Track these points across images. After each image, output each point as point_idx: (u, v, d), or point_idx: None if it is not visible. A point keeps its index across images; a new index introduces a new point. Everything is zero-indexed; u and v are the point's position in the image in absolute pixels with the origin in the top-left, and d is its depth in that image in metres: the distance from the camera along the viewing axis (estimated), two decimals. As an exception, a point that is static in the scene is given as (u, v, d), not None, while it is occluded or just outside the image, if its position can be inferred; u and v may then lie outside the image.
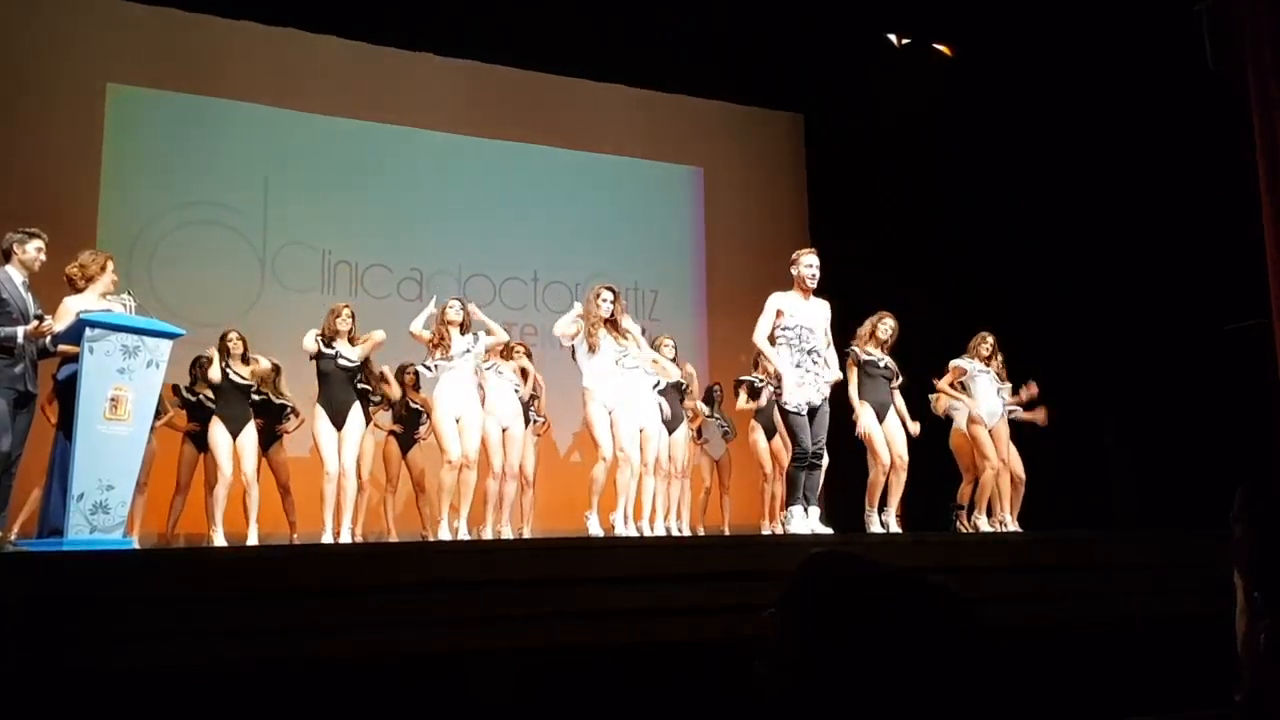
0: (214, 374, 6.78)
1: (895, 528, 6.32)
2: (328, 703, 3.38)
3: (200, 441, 7.19)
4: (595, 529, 6.08)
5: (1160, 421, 7.71)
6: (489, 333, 6.62)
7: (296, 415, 7.36)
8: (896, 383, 6.61)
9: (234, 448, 6.71)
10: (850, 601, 1.01)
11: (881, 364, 6.53)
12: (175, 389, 6.99)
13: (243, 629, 3.49)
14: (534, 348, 7.95)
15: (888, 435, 6.39)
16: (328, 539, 6.07)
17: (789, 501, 5.86)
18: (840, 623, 1.00)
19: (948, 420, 7.29)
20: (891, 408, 6.50)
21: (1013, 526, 6.77)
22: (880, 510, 6.35)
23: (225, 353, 6.84)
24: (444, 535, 6.19)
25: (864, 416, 6.37)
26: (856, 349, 6.50)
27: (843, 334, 6.37)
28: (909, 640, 0.98)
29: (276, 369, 7.18)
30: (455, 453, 6.21)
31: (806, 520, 5.75)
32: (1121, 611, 4.64)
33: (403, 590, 3.87)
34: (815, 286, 5.95)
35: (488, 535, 6.75)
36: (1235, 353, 7.13)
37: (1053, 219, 8.93)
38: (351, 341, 6.44)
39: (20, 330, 4.79)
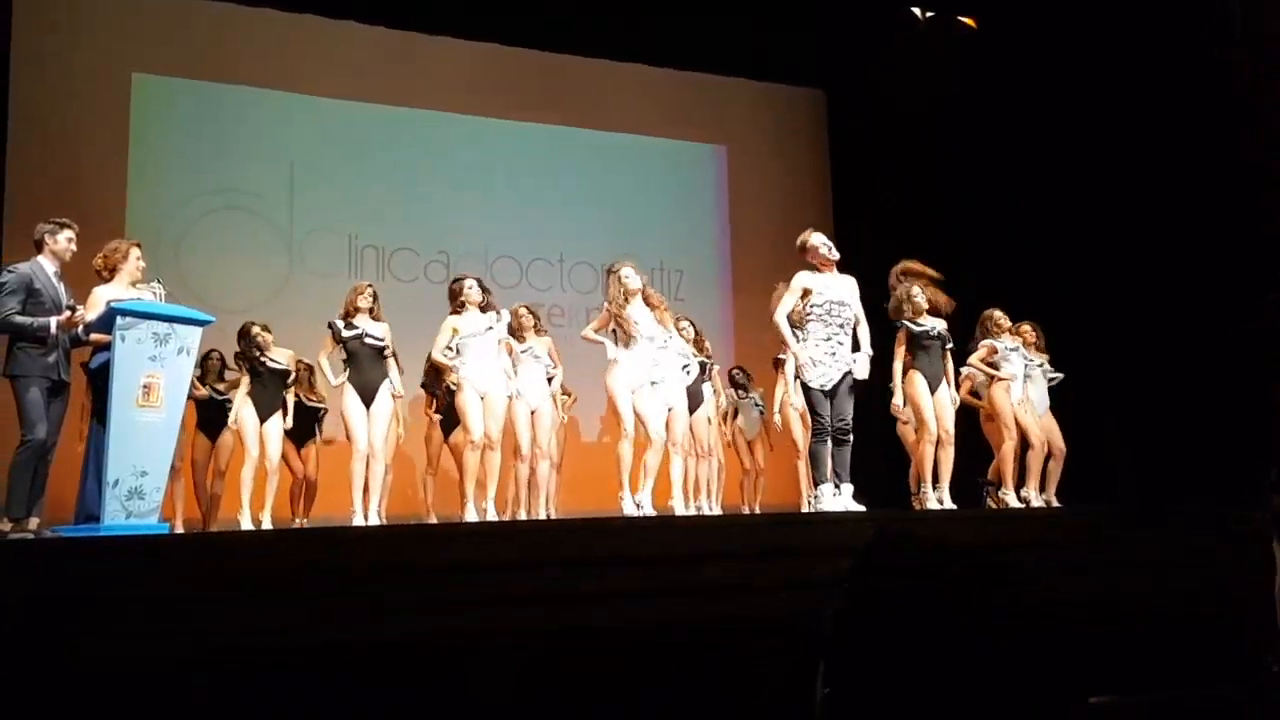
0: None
1: (949, 503, 6.27)
2: (345, 688, 3.39)
3: (211, 432, 7.23)
4: (630, 508, 5.93)
5: (1160, 420, 7.62)
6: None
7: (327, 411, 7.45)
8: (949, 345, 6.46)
9: (260, 432, 6.72)
10: (919, 594, 1.00)
11: (934, 331, 6.37)
12: None
13: (270, 615, 3.51)
14: (561, 328, 7.94)
15: (937, 409, 6.28)
16: (358, 520, 6.07)
17: (816, 480, 5.81)
18: (907, 616, 0.99)
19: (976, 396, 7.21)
20: (944, 381, 6.36)
21: (1038, 503, 6.67)
22: (934, 487, 6.30)
23: (258, 346, 6.83)
24: (471, 517, 6.17)
25: (916, 385, 6.26)
26: (908, 323, 6.33)
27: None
28: (971, 636, 0.97)
29: (310, 369, 7.20)
30: (478, 432, 6.18)
31: (838, 498, 5.69)
32: (1157, 586, 4.60)
33: (425, 572, 3.88)
34: (837, 258, 5.88)
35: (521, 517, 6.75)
36: (1241, 340, 6.99)
37: (1059, 209, 8.77)
38: (374, 318, 6.36)
39: (53, 320, 4.85)
